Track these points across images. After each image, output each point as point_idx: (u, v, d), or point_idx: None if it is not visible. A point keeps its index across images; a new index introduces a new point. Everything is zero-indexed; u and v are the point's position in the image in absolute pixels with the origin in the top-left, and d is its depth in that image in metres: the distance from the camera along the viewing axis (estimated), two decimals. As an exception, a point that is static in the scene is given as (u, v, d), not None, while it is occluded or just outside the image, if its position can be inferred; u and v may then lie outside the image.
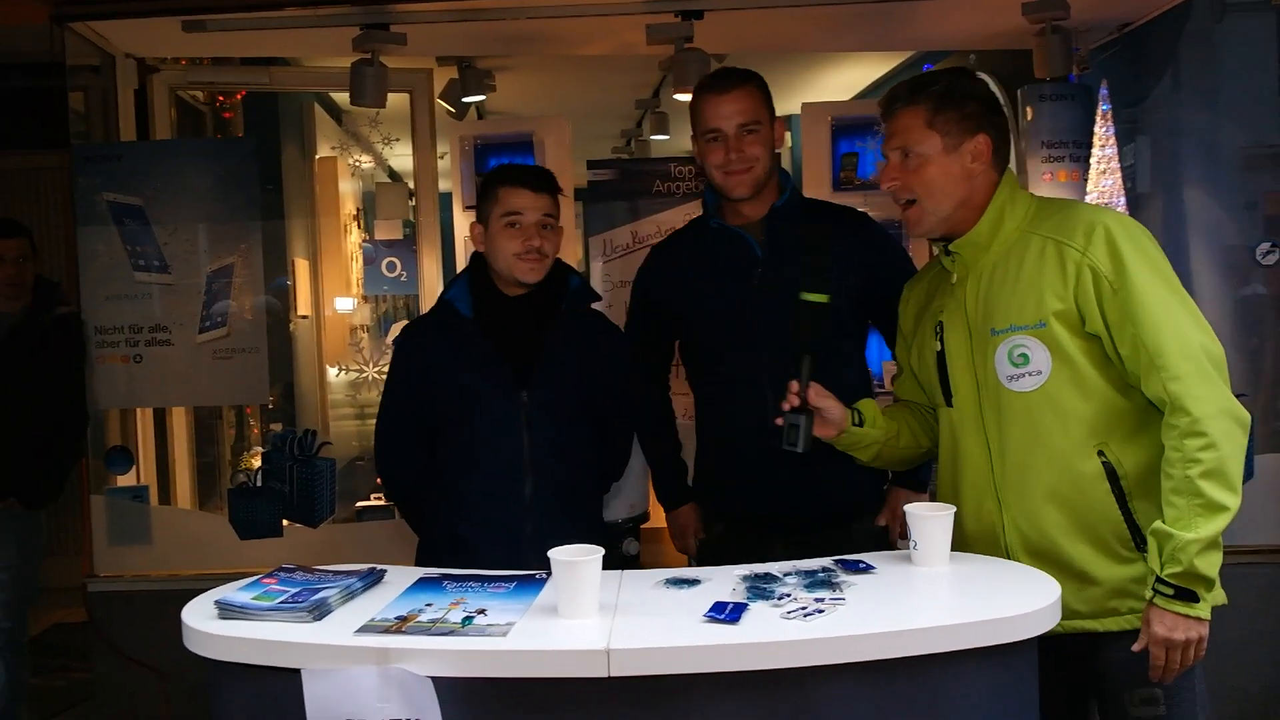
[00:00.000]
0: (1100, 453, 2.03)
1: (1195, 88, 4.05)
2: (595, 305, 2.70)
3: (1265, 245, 3.53)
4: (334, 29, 3.65)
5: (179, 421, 4.39)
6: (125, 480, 3.90)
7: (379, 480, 2.84)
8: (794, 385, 2.20)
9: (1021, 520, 2.10)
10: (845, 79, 6.41)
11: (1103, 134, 4.03)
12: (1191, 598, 1.91)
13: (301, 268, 5.43)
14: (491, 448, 2.50)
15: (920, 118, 2.10)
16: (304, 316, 5.48)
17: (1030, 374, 2.05)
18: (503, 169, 2.62)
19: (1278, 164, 3.88)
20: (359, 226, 5.90)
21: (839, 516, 2.57)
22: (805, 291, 2.31)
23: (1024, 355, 2.06)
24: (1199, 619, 1.92)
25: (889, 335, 2.58)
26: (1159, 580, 1.92)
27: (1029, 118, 4.26)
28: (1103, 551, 2.05)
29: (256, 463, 4.14)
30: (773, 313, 2.49)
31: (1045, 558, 2.07)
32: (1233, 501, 1.91)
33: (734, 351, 2.56)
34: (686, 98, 4.05)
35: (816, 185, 4.11)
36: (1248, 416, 1.95)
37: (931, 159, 2.10)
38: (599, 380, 2.60)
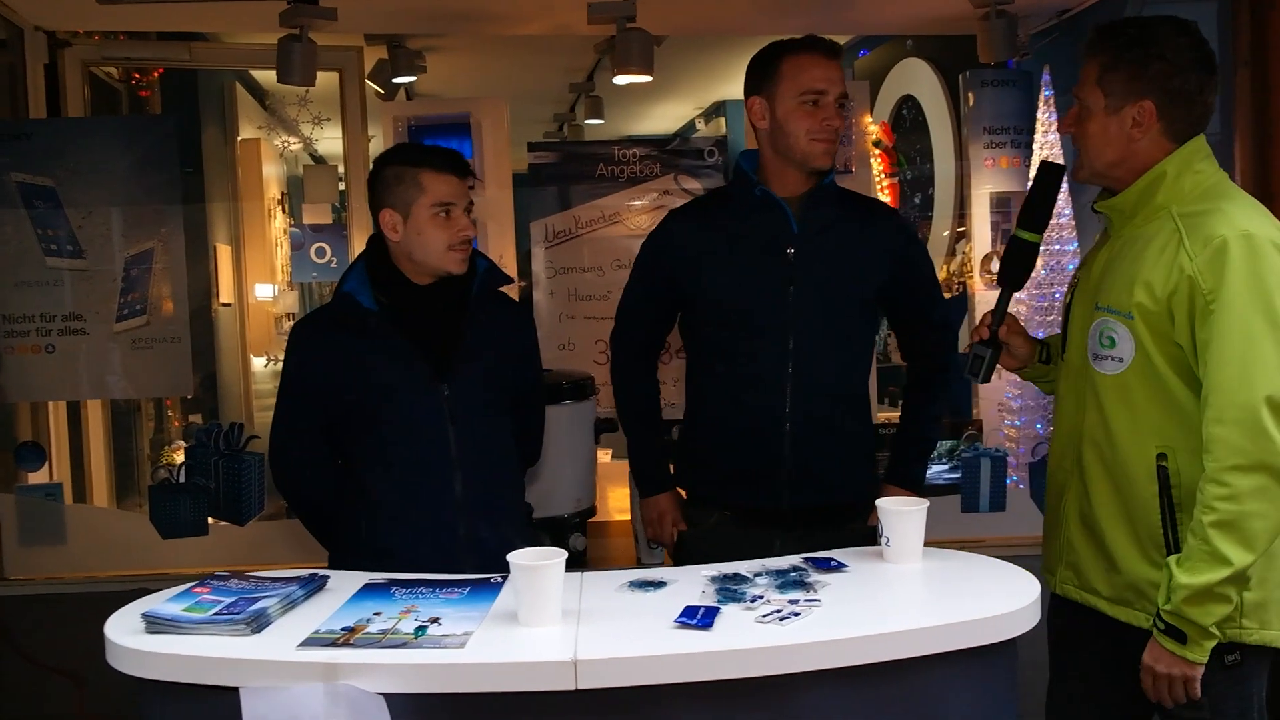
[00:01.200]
0: (1162, 455, 1.95)
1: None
2: (535, 293, 2.58)
3: None
4: (260, 2, 3.49)
5: (94, 415, 4.18)
6: (37, 478, 3.73)
7: (285, 499, 2.58)
8: (987, 317, 2.21)
9: (1080, 489, 2.09)
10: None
11: (1045, 120, 4.02)
12: (1179, 637, 1.86)
13: (224, 253, 5.24)
14: (413, 447, 2.33)
15: (1094, 72, 2.03)
16: (226, 304, 5.29)
17: (1113, 358, 2.00)
18: (416, 151, 2.43)
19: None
20: (284, 211, 5.71)
21: (842, 513, 2.49)
22: (1020, 228, 2.20)
23: (1111, 338, 2.00)
24: (1185, 659, 1.87)
25: (897, 327, 2.62)
26: (1157, 611, 1.89)
27: (970, 103, 4.27)
28: (1135, 545, 2.00)
29: (178, 458, 3.97)
30: (802, 297, 2.41)
31: (1090, 529, 2.07)
32: (1240, 559, 1.81)
33: (756, 334, 2.44)
34: (626, 80, 3.99)
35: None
36: None
37: (1093, 115, 2.03)
38: (515, 364, 2.49)
